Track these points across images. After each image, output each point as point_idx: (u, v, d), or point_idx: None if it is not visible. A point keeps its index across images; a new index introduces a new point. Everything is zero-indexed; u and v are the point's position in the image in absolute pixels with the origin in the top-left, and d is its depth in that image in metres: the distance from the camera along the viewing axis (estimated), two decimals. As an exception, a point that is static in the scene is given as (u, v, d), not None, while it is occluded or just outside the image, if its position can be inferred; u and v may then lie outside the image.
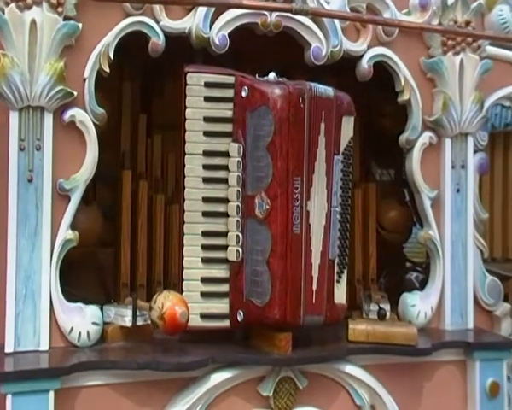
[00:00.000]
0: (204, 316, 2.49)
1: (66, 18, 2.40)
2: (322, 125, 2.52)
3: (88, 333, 2.42)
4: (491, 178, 3.41)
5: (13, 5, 2.33)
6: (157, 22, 2.53)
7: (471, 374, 2.79)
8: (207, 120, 2.51)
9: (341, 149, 2.62)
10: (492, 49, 3.01)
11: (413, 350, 2.64)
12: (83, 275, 2.75)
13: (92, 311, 2.45)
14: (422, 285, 3.04)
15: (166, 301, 2.36)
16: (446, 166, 2.93)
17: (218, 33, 2.57)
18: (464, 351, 2.79)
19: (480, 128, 3.01)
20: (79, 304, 2.44)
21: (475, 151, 3.02)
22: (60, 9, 2.39)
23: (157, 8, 2.53)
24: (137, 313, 2.51)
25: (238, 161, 2.49)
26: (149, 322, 2.46)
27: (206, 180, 2.51)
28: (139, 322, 2.51)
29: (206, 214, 2.51)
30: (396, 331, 2.66)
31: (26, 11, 2.35)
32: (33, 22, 2.35)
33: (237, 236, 2.48)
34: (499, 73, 3.05)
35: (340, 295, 2.66)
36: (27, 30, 2.35)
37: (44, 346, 2.36)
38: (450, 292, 2.92)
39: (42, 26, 2.36)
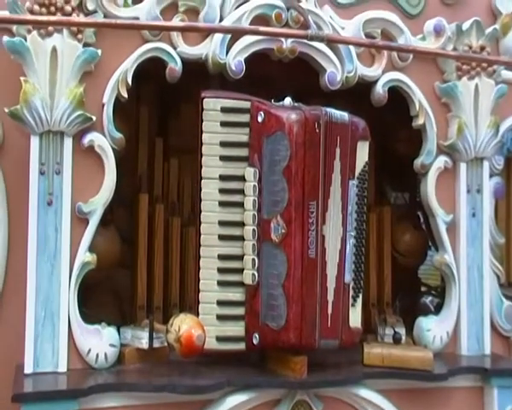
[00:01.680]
0: (220, 339, 2.50)
1: (85, 44, 2.46)
2: (338, 150, 2.54)
3: (105, 355, 2.44)
4: (508, 203, 3.38)
5: (35, 32, 2.39)
6: (174, 48, 2.58)
7: (489, 401, 2.76)
8: (224, 144, 2.54)
9: (356, 174, 2.64)
10: (508, 74, 3.02)
11: (429, 375, 2.63)
12: (99, 296, 2.78)
13: (109, 333, 2.47)
14: (438, 309, 3.03)
15: (183, 324, 2.38)
16: (462, 191, 2.93)
17: (235, 59, 2.62)
18: (481, 377, 2.77)
19: (495, 153, 3.01)
20: (97, 326, 2.47)
21: (491, 175, 3.02)
22: (80, 36, 2.45)
23: (174, 34, 2.58)
24: (154, 336, 2.53)
25: (254, 186, 2.50)
26: (166, 344, 2.48)
27: (222, 204, 2.53)
28: (156, 344, 2.54)
29: (222, 238, 2.53)
30: (412, 356, 2.65)
31: (48, 38, 2.41)
32: (54, 49, 2.41)
33: (253, 259, 2.50)
34: (516, 97, 3.06)
35: (355, 318, 2.66)
36: (48, 56, 2.40)
37: (63, 367, 2.39)
38: (466, 317, 2.91)
39: (62, 52, 2.42)
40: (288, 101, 2.56)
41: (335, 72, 2.75)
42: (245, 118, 2.54)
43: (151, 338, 2.52)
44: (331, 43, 2.69)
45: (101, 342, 2.45)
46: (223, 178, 2.53)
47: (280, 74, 2.82)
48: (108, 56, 2.49)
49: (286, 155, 2.44)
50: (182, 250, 2.89)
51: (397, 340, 2.77)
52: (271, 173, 2.47)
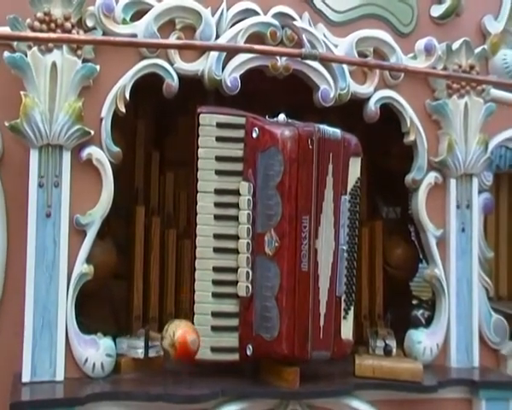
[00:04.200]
0: (214, 349, 2.54)
1: (84, 60, 2.51)
2: (330, 166, 2.59)
3: (102, 364, 2.48)
4: (497, 218, 3.44)
5: (35, 49, 2.45)
6: (171, 64, 2.64)
7: (477, 413, 2.81)
8: (219, 159, 2.58)
9: (348, 189, 2.69)
10: (496, 93, 3.08)
11: (419, 387, 2.67)
12: (96, 307, 2.81)
13: (106, 343, 2.51)
14: (429, 322, 3.07)
15: (178, 330, 2.43)
16: (451, 206, 2.98)
17: (230, 76, 2.67)
18: (470, 389, 2.80)
19: (484, 169, 3.06)
20: (93, 336, 2.51)
21: (480, 191, 3.07)
22: (79, 52, 2.51)
23: (171, 50, 2.63)
24: (149, 345, 2.57)
25: (248, 200, 2.55)
26: (161, 354, 2.52)
27: (217, 217, 2.57)
28: (151, 354, 2.58)
29: (217, 250, 2.57)
30: (402, 368, 2.69)
31: (48, 54, 2.46)
32: (54, 64, 2.46)
33: (247, 272, 2.54)
34: (503, 115, 3.12)
35: (347, 331, 2.70)
36: (48, 72, 2.46)
37: (60, 376, 2.43)
38: (455, 330, 2.96)
39: (62, 68, 2.47)
40: (282, 117, 2.61)
41: (328, 89, 2.80)
42: (240, 133, 2.59)
43: (147, 348, 2.56)
44: (324, 61, 2.75)
45: (97, 351, 2.49)
46: (218, 191, 2.58)
47: (274, 91, 2.87)
48: (107, 72, 2.55)
49: (279, 171, 2.49)
50: (177, 262, 2.94)
51: (388, 352, 2.82)
52: (265, 188, 2.52)
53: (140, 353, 2.57)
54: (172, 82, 2.62)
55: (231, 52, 2.68)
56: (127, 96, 2.57)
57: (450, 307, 2.96)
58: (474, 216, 3.02)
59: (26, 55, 2.44)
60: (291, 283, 2.48)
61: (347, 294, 2.71)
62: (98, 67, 2.52)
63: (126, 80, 2.57)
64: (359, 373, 2.68)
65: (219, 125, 2.59)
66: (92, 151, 2.52)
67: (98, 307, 2.82)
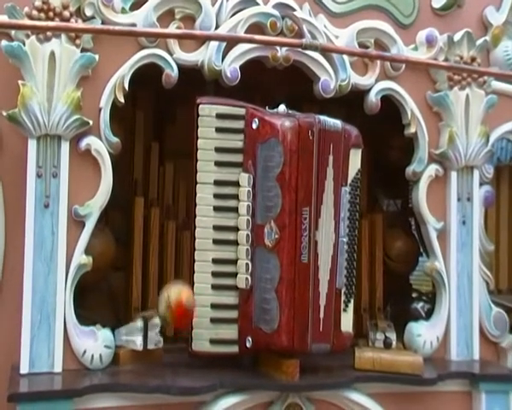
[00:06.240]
0: (213, 341, 2.53)
1: (83, 50, 2.50)
2: (331, 158, 2.57)
3: (100, 356, 2.47)
4: (497, 211, 3.43)
5: (33, 37, 2.43)
6: (171, 54, 2.62)
7: (477, 405, 2.80)
8: (218, 150, 2.57)
9: (349, 181, 2.67)
10: (498, 85, 3.07)
11: (419, 380, 2.66)
12: (94, 298, 2.81)
13: (104, 334, 2.50)
14: (429, 315, 3.07)
15: (171, 291, 2.43)
16: (452, 199, 2.97)
17: (230, 66, 2.66)
18: (470, 382, 2.80)
19: (485, 161, 3.05)
20: (92, 328, 2.50)
21: (481, 184, 3.06)
22: (77, 42, 2.49)
23: (171, 40, 2.61)
24: (148, 326, 2.55)
25: (248, 191, 2.54)
26: (160, 346, 2.51)
27: (216, 209, 2.56)
28: (150, 346, 2.57)
29: (216, 242, 2.55)
30: (402, 360, 2.69)
31: (46, 43, 2.44)
32: (52, 54, 2.44)
33: (247, 264, 2.53)
34: (505, 107, 3.11)
35: (347, 323, 2.69)
36: (46, 61, 2.44)
37: (58, 368, 2.42)
38: (455, 323, 2.95)
39: (60, 57, 2.45)
40: (282, 108, 2.59)
41: (329, 80, 2.79)
42: (240, 124, 2.58)
43: (145, 340, 2.55)
44: (325, 52, 2.73)
45: (96, 343, 2.48)
46: (217, 183, 2.56)
47: (274, 81, 2.86)
48: (106, 61, 2.53)
49: (280, 162, 2.47)
50: (176, 253, 2.92)
51: (387, 345, 2.82)
52: (265, 179, 2.51)
53: (139, 345, 2.55)
54: (172, 72, 2.60)
55: (231, 42, 2.66)
56: (126, 86, 2.55)
57: (451, 299, 2.95)
58: (474, 209, 3.01)
59: (24, 44, 2.42)
60: (291, 275, 2.46)
61: (347, 286, 2.69)
62: (97, 57, 2.50)
63: (125, 70, 2.55)
64: (359, 366, 2.68)
65: (219, 116, 2.57)
66: (91, 141, 2.50)
67: (97, 299, 2.82)
